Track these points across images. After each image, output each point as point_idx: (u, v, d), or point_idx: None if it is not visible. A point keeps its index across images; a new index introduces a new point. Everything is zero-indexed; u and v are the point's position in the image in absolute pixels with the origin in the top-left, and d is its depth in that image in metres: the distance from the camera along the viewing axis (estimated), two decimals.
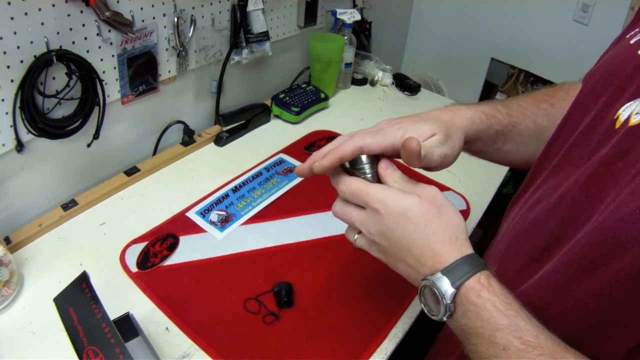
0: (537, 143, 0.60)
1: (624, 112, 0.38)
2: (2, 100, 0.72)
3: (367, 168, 0.49)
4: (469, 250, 0.43)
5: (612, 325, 0.36)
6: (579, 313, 0.38)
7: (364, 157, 0.49)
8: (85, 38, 0.79)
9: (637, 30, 0.45)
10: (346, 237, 0.51)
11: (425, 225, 0.44)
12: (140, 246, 0.80)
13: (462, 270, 0.41)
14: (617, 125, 0.38)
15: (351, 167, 0.49)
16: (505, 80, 1.80)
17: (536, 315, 0.39)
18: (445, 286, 0.41)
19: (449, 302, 0.41)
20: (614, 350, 0.36)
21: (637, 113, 0.37)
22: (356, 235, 0.50)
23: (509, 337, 0.37)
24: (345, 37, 1.30)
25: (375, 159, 0.49)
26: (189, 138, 1.07)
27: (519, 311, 0.38)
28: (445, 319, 0.42)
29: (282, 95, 1.20)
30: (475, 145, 0.59)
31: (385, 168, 0.48)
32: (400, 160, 0.50)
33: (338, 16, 1.29)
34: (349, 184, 0.48)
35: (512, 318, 0.38)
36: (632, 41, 0.44)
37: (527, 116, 0.59)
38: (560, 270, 0.39)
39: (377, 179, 0.49)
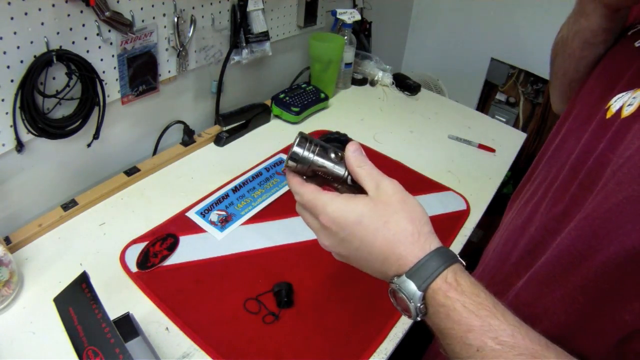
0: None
1: (615, 103, 0.39)
2: (2, 100, 0.72)
3: (311, 157, 0.46)
4: (434, 244, 0.41)
5: (596, 319, 0.36)
6: (565, 307, 0.38)
7: (298, 150, 0.46)
8: (85, 38, 0.79)
9: (635, 22, 0.45)
10: None
11: (384, 227, 0.41)
12: (140, 246, 0.80)
13: (428, 269, 0.39)
14: (609, 115, 0.39)
15: (298, 163, 0.46)
16: (505, 80, 1.80)
17: (524, 310, 0.38)
18: (412, 289, 0.39)
19: (418, 304, 0.39)
20: (603, 344, 0.36)
21: (629, 105, 0.37)
22: None
23: (483, 338, 0.36)
24: (345, 37, 1.30)
25: (316, 145, 0.46)
26: (189, 138, 1.07)
27: (492, 310, 0.37)
28: (419, 319, 0.41)
29: (282, 95, 1.20)
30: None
31: (353, 150, 0.46)
32: None
33: (338, 16, 1.29)
34: (303, 194, 0.46)
35: (484, 318, 0.36)
36: (629, 32, 0.44)
37: None
38: (551, 263, 0.39)
39: (323, 156, 0.46)
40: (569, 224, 0.39)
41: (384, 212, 0.42)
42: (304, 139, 0.47)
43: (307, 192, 0.46)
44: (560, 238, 0.39)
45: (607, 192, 0.34)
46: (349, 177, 0.46)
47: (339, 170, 0.46)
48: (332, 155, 0.47)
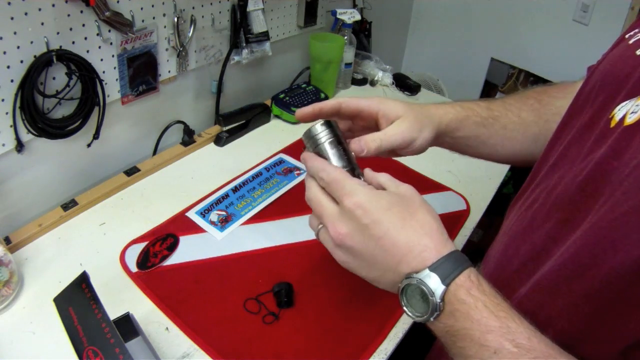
0: (522, 137, 0.60)
1: (619, 112, 0.38)
2: (2, 100, 0.72)
3: (323, 138, 0.48)
4: (452, 246, 0.41)
5: (601, 328, 0.36)
6: (569, 316, 0.37)
7: (318, 128, 0.48)
8: (85, 38, 0.79)
9: (636, 31, 0.45)
10: (309, 223, 0.48)
11: (412, 218, 0.41)
12: (140, 246, 0.80)
13: (451, 266, 0.39)
14: (612, 124, 0.38)
15: (311, 143, 0.49)
16: (505, 80, 1.81)
17: (527, 318, 0.38)
18: (435, 284, 0.38)
19: (438, 300, 0.38)
20: (607, 352, 0.36)
21: (632, 112, 0.37)
22: (320, 226, 0.46)
23: (501, 340, 0.35)
24: (345, 37, 1.30)
25: (335, 135, 0.49)
26: (189, 138, 1.07)
27: (509, 312, 0.37)
28: (432, 319, 0.39)
29: (282, 95, 1.20)
30: (458, 138, 0.59)
31: (369, 170, 0.48)
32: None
33: (338, 16, 1.29)
34: (330, 173, 0.45)
35: (503, 319, 0.36)
36: (631, 41, 0.44)
37: (511, 110, 0.60)
38: (554, 271, 0.39)
39: (339, 152, 0.48)
40: (572, 232, 0.38)
41: (411, 204, 0.43)
42: (328, 124, 0.49)
43: (337, 171, 0.45)
44: (565, 247, 0.38)
45: (614, 202, 0.34)
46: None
47: (339, 165, 0.48)
48: (342, 150, 0.48)
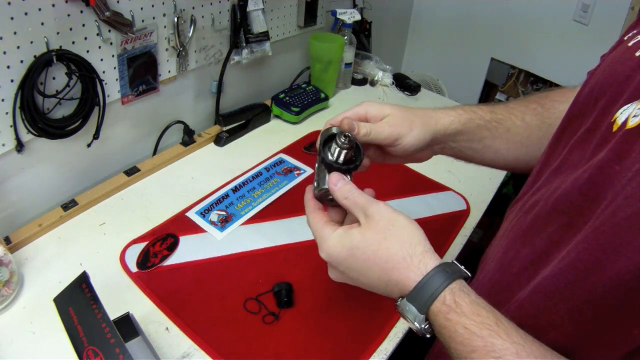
0: (527, 141, 0.60)
1: (621, 115, 0.38)
2: (2, 100, 0.72)
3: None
4: (431, 263, 0.42)
5: (604, 332, 0.36)
6: (572, 320, 0.37)
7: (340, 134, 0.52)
8: (85, 38, 0.79)
9: (635, 32, 0.45)
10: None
11: (375, 256, 0.43)
12: (140, 246, 0.80)
13: (426, 292, 0.41)
14: (615, 128, 0.38)
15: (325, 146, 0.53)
16: (505, 80, 1.81)
17: (528, 322, 0.38)
18: (414, 313, 0.41)
19: (422, 326, 0.41)
20: (608, 358, 0.36)
21: (634, 116, 0.36)
22: None
23: (487, 359, 0.36)
24: (345, 37, 1.30)
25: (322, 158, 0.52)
26: (189, 138, 1.07)
27: (494, 328, 0.37)
28: (427, 336, 0.42)
29: (282, 95, 1.20)
30: (461, 141, 0.60)
31: (335, 182, 0.49)
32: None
33: (338, 16, 1.29)
34: (309, 222, 0.50)
35: (487, 338, 0.37)
36: (630, 43, 0.44)
37: (514, 114, 0.60)
38: (556, 276, 0.39)
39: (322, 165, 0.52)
40: (574, 235, 0.38)
41: (374, 240, 0.44)
42: (331, 137, 0.53)
43: (314, 222, 0.49)
44: (566, 251, 0.38)
45: (616, 207, 0.34)
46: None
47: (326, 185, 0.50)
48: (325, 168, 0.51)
